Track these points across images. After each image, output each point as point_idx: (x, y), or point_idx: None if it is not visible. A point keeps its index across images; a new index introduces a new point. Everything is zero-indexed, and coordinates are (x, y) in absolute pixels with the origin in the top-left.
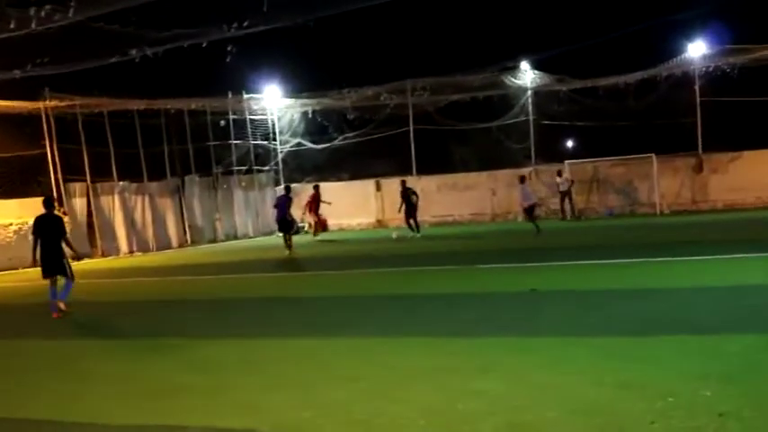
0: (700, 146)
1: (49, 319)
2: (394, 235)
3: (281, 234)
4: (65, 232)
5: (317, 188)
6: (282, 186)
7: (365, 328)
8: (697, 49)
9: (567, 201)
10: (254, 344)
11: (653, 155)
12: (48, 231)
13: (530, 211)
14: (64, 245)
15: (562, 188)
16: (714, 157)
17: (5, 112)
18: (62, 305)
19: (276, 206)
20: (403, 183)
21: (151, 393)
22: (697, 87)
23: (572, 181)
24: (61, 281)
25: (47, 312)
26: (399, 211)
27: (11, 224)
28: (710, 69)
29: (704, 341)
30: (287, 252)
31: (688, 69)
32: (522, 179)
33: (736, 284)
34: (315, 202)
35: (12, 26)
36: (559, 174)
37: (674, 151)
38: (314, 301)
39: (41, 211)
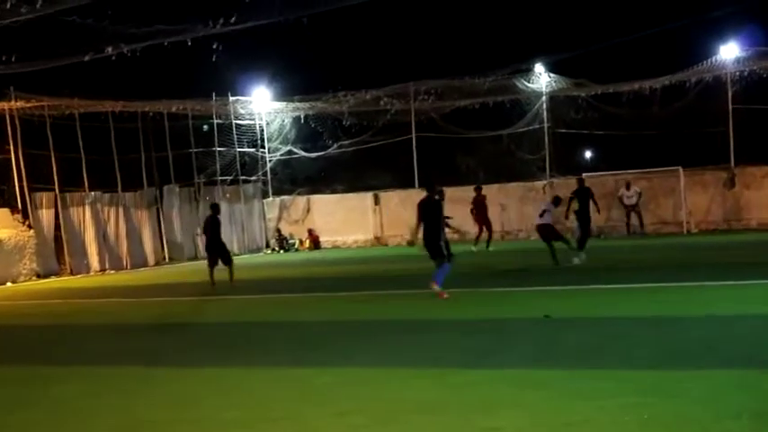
0: (732, 158)
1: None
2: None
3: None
4: (440, 217)
5: (479, 190)
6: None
7: (363, 357)
8: (730, 52)
9: (632, 215)
10: (239, 373)
11: (680, 168)
12: (425, 215)
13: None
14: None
15: (628, 202)
16: (748, 170)
17: None
18: (435, 287)
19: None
20: (580, 181)
21: (113, 430)
22: (729, 94)
23: (640, 193)
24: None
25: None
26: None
27: None
28: (744, 74)
29: (738, 376)
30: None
31: (720, 74)
32: None
33: None
34: (479, 206)
35: None
36: (627, 186)
37: (703, 164)
38: (306, 326)
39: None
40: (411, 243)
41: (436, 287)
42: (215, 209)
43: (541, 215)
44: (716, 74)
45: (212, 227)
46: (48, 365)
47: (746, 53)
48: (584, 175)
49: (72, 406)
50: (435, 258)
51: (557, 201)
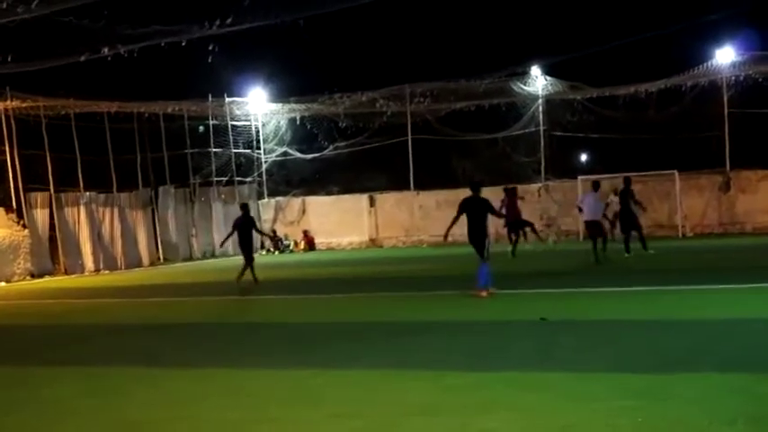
0: (728, 162)
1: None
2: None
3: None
4: (490, 212)
5: (513, 192)
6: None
7: (361, 359)
8: (726, 56)
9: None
10: (237, 374)
11: (676, 172)
12: (474, 213)
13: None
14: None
15: (617, 208)
16: (743, 175)
17: None
18: (483, 293)
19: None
20: (626, 180)
21: (108, 430)
22: (725, 98)
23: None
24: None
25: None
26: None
27: None
28: (740, 78)
29: (732, 380)
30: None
31: (715, 78)
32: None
33: (766, 317)
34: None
35: None
36: (615, 192)
37: (698, 168)
38: (304, 327)
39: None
40: (445, 237)
41: (483, 293)
42: (245, 208)
43: (582, 208)
44: (712, 78)
45: (244, 226)
46: (42, 366)
47: (742, 57)
48: (579, 178)
49: (66, 406)
50: (479, 254)
51: (596, 185)
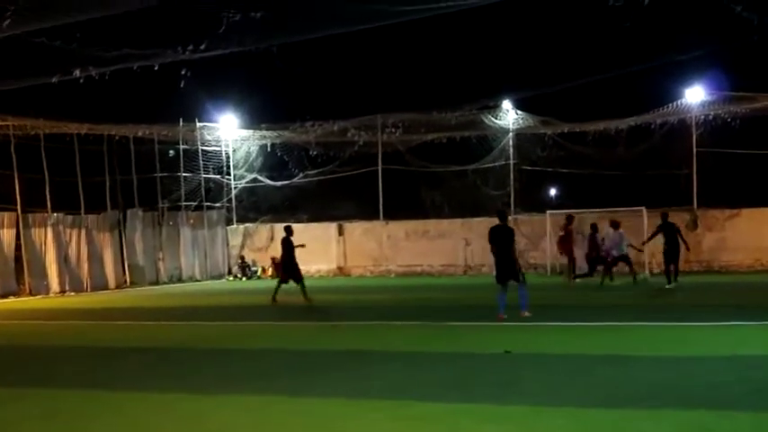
0: (695, 200)
1: None
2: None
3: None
4: (513, 241)
5: (571, 220)
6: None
7: (323, 388)
8: (695, 96)
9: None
10: (200, 400)
11: (644, 208)
12: (501, 241)
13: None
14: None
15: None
16: (710, 213)
17: None
18: (526, 313)
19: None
20: (664, 215)
21: None
22: (694, 137)
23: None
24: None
25: None
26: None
27: None
28: (709, 118)
29: (693, 417)
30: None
31: (685, 117)
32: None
33: (731, 355)
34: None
35: None
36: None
37: (666, 205)
38: (266, 353)
39: None
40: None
41: (526, 313)
42: (288, 230)
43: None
44: (681, 117)
45: (287, 248)
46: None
47: (712, 97)
48: (548, 212)
49: (17, 429)
50: (515, 281)
51: (615, 225)
